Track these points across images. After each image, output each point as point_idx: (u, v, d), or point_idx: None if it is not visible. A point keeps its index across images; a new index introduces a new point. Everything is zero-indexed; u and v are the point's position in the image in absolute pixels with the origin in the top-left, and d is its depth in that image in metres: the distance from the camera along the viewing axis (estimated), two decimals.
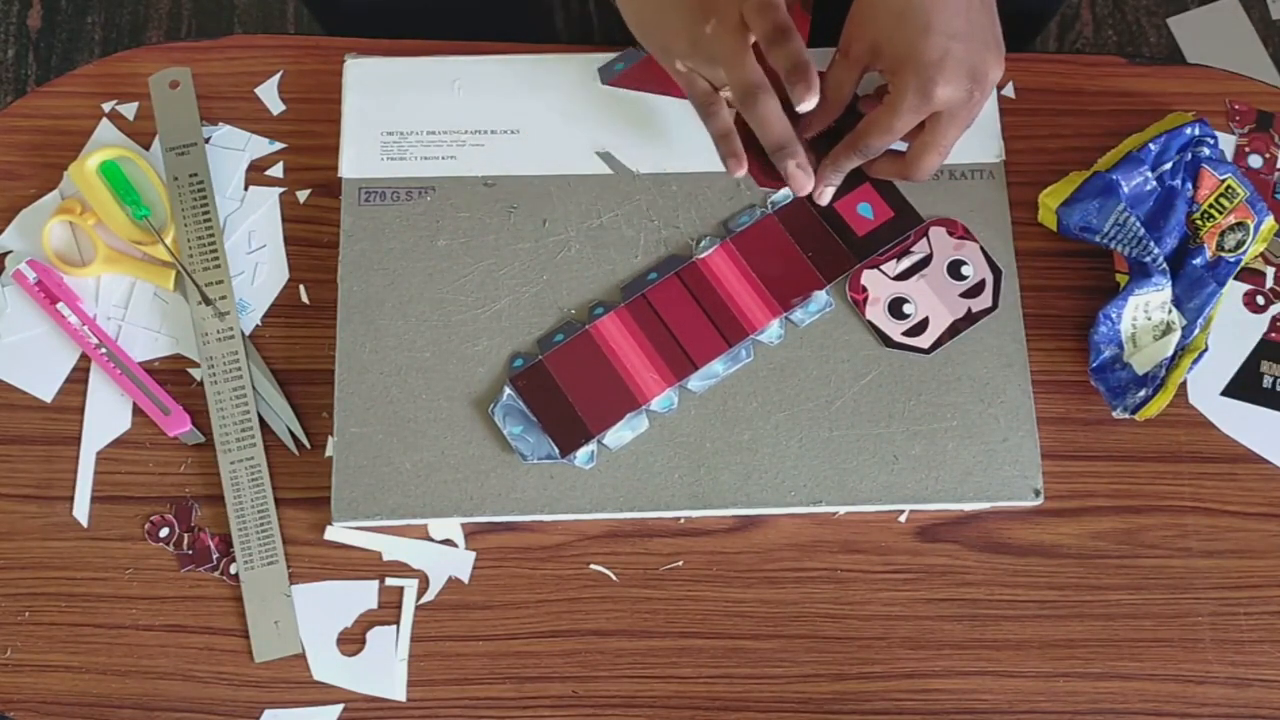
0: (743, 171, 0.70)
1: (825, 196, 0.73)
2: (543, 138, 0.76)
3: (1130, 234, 0.71)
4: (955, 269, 0.73)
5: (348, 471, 0.70)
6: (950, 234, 0.74)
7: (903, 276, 0.73)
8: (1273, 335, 0.75)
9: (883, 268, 0.74)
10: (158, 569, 0.71)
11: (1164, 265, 0.71)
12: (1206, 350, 0.72)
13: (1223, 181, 0.73)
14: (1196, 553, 0.71)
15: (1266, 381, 0.74)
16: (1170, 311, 0.72)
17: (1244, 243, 0.73)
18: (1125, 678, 0.70)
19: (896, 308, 0.73)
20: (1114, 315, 0.72)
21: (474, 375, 0.71)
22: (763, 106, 0.67)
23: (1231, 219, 0.73)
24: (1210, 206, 0.73)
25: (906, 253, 0.74)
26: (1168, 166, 0.73)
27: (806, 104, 0.66)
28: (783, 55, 0.66)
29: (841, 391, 0.71)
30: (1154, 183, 0.73)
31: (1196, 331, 0.72)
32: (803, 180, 0.70)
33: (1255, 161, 0.78)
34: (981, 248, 0.74)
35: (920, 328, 0.72)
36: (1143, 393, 0.71)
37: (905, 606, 0.70)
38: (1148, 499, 0.72)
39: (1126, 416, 0.71)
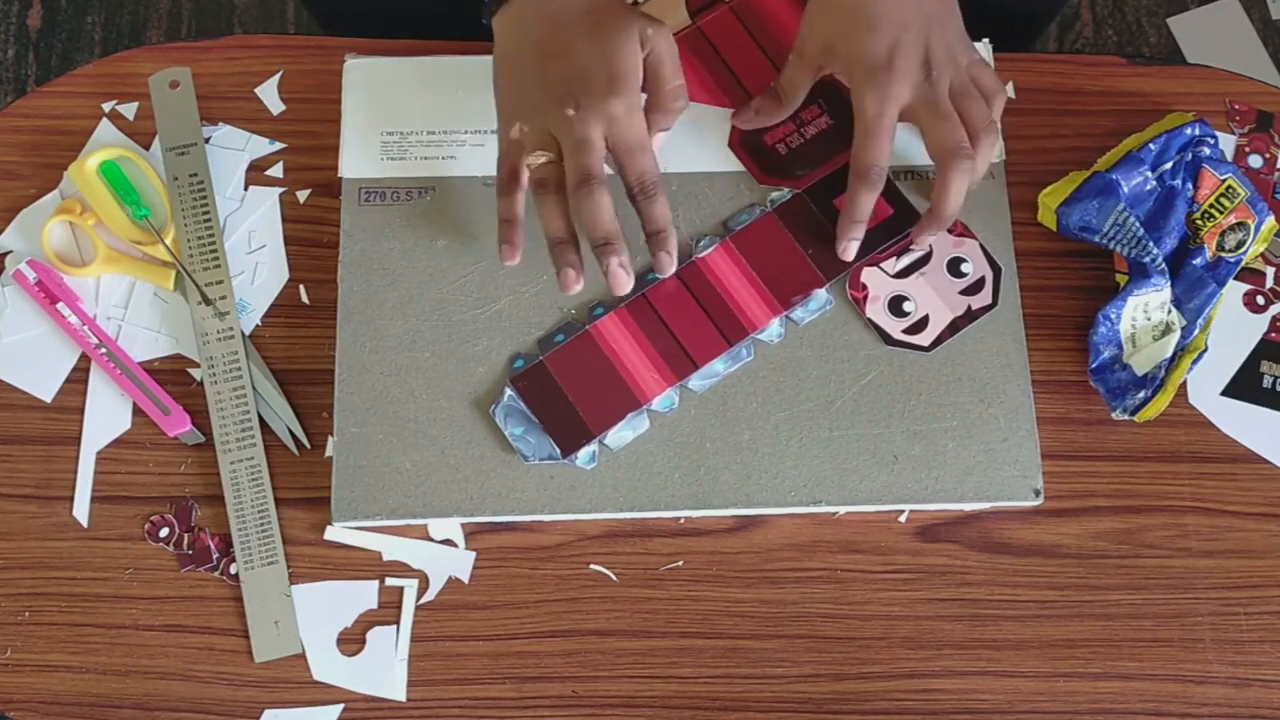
0: (514, 261, 0.68)
1: (851, 251, 0.72)
2: None
3: (1129, 234, 0.71)
4: (955, 266, 0.73)
5: (348, 471, 0.70)
6: (949, 231, 0.74)
7: (902, 274, 0.73)
8: (1273, 335, 0.75)
9: (882, 265, 0.74)
10: (158, 569, 0.71)
11: (1163, 266, 0.71)
12: (1206, 351, 0.72)
13: (1223, 181, 0.73)
14: (1196, 553, 0.71)
15: (1266, 381, 0.74)
16: (1170, 312, 0.72)
17: (1244, 243, 0.73)
18: (1125, 678, 0.70)
19: (896, 305, 0.73)
20: (1113, 316, 0.72)
21: (474, 375, 0.71)
22: (596, 199, 0.66)
23: (1232, 219, 0.73)
24: (1211, 206, 0.73)
25: (906, 250, 0.74)
26: (1168, 166, 0.73)
27: (665, 273, 0.69)
28: (650, 215, 0.67)
29: (841, 391, 0.71)
30: (1154, 182, 0.73)
31: (1196, 332, 0.72)
32: (624, 279, 0.67)
33: (1255, 161, 0.78)
34: (981, 245, 0.74)
35: (920, 325, 0.72)
36: (1142, 394, 0.71)
37: (905, 606, 0.70)
38: (1148, 499, 0.72)
39: (1126, 418, 0.71)
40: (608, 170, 0.68)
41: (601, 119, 0.67)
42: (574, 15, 0.69)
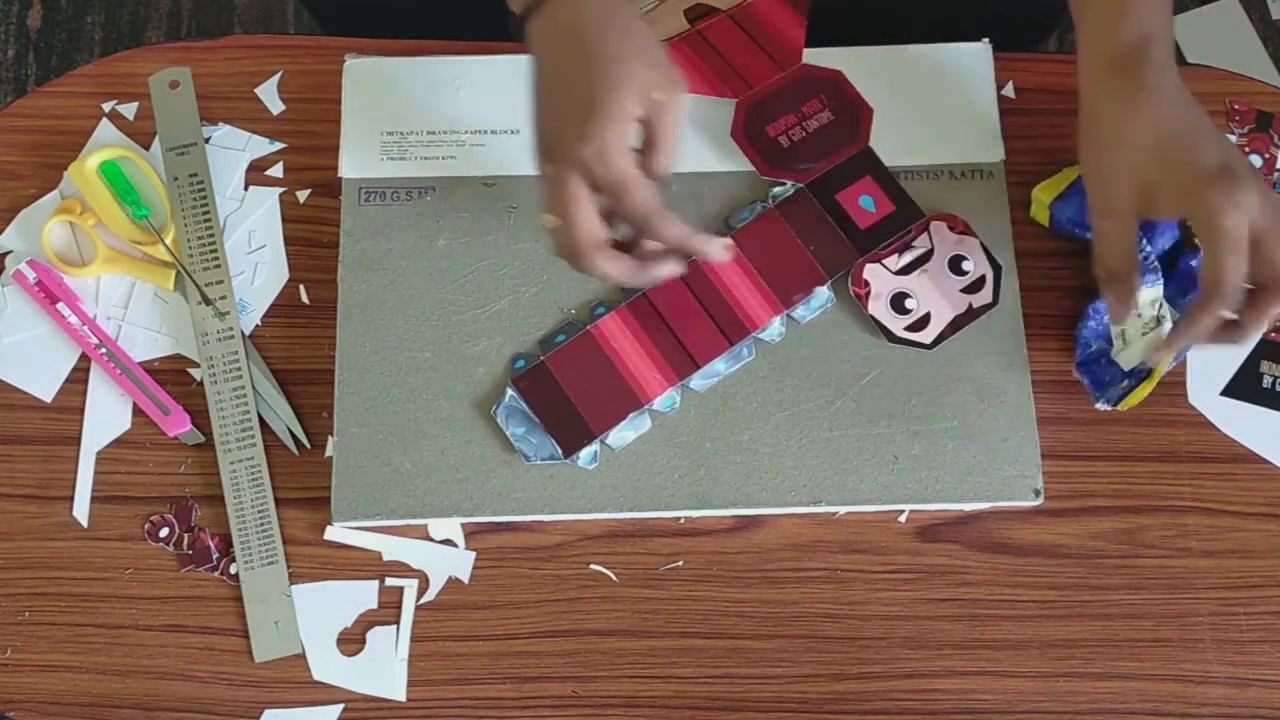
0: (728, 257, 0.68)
1: (1162, 359, 0.68)
2: None
3: None
4: (956, 264, 0.73)
5: (348, 471, 0.70)
6: (951, 229, 0.74)
7: (905, 271, 0.73)
8: (1273, 335, 0.75)
9: (884, 262, 0.73)
10: (158, 569, 0.71)
11: (1155, 263, 0.71)
12: None
13: None
14: (1196, 553, 0.71)
15: (1266, 381, 0.74)
16: (1161, 307, 0.72)
17: None
18: (1125, 678, 0.70)
19: (898, 303, 0.73)
20: (1102, 310, 0.71)
21: (474, 375, 0.71)
22: (595, 269, 0.64)
23: None
24: None
25: (908, 247, 0.74)
26: None
27: (719, 258, 0.67)
28: (662, 240, 0.64)
29: (842, 391, 0.71)
30: None
31: None
32: (712, 250, 0.66)
33: (1255, 161, 0.78)
34: (981, 243, 0.74)
35: (922, 323, 0.72)
36: (1125, 383, 0.71)
37: (905, 606, 0.70)
38: (1148, 499, 0.72)
39: (1109, 408, 0.71)
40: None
41: (576, 168, 0.62)
42: (572, 54, 0.63)
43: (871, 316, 0.73)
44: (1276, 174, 0.78)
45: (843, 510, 0.71)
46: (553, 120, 0.64)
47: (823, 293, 0.73)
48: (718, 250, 0.67)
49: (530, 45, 0.65)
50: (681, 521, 0.72)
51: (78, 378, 0.74)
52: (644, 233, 0.65)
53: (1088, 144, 0.66)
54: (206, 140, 0.77)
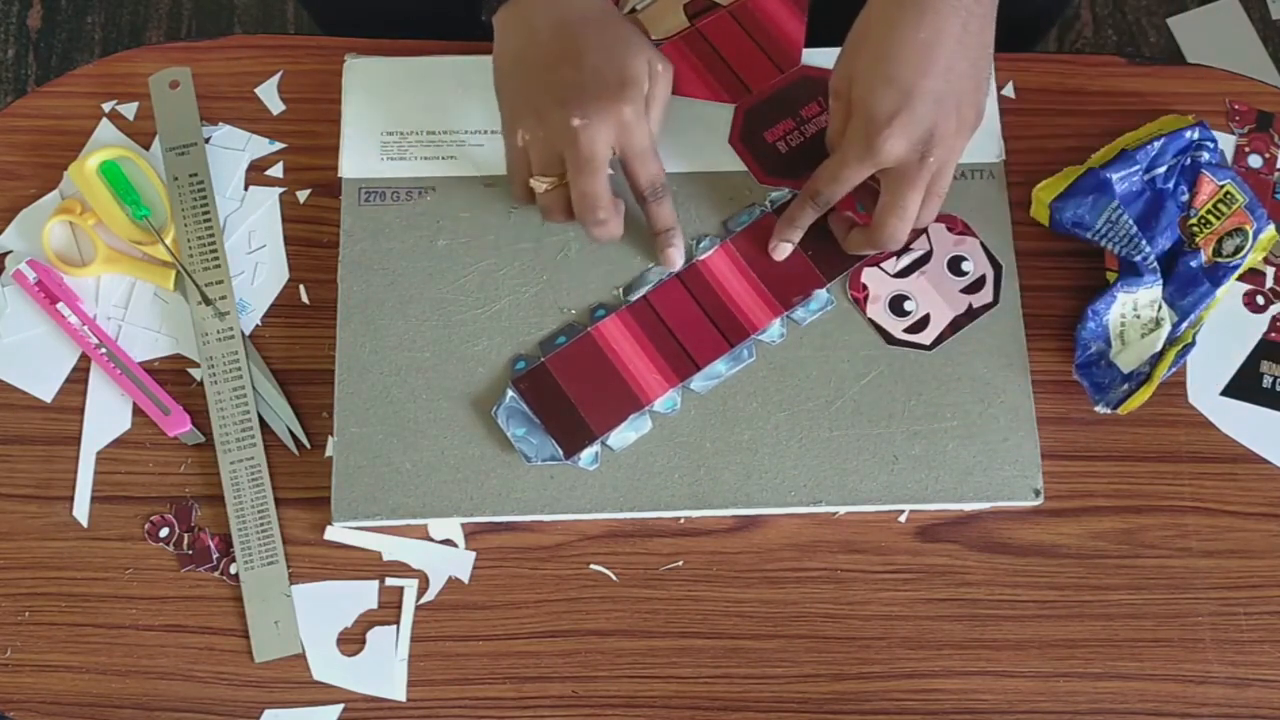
0: (617, 236, 0.71)
1: (780, 252, 0.73)
2: None
3: (1122, 232, 0.71)
4: (955, 265, 0.73)
5: (348, 471, 0.70)
6: (950, 230, 0.74)
7: (903, 273, 0.73)
8: (1273, 335, 0.75)
9: (883, 265, 0.74)
10: (158, 569, 0.71)
11: (1154, 265, 0.71)
12: (1193, 345, 0.72)
13: (1221, 187, 0.73)
14: (1196, 553, 0.71)
15: (1266, 381, 0.74)
16: (1160, 309, 0.72)
17: (1243, 248, 0.73)
18: (1125, 678, 0.70)
19: (897, 305, 0.73)
20: (1101, 311, 0.72)
21: (474, 375, 0.71)
22: (604, 232, 0.69)
23: (1230, 224, 0.73)
24: (1208, 212, 0.73)
25: (906, 249, 0.74)
26: (1161, 170, 0.73)
27: (674, 267, 0.72)
28: (658, 216, 0.71)
29: (842, 391, 0.71)
30: (1143, 184, 0.73)
31: (1184, 328, 0.72)
32: (676, 258, 0.72)
33: (1255, 162, 0.78)
34: (981, 243, 0.74)
35: (921, 324, 0.72)
36: (1125, 386, 0.71)
37: (905, 606, 0.70)
38: (1148, 499, 0.72)
39: (1109, 412, 0.71)
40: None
41: (611, 125, 0.66)
42: (587, 19, 0.68)
43: (870, 320, 0.73)
44: (1277, 174, 0.78)
45: (843, 510, 0.71)
46: (565, 78, 0.66)
47: (822, 295, 0.73)
48: (675, 259, 0.72)
49: (517, 8, 0.69)
50: (681, 521, 0.72)
51: (78, 378, 0.74)
52: (646, 203, 0.70)
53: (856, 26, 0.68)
54: (206, 140, 0.77)
